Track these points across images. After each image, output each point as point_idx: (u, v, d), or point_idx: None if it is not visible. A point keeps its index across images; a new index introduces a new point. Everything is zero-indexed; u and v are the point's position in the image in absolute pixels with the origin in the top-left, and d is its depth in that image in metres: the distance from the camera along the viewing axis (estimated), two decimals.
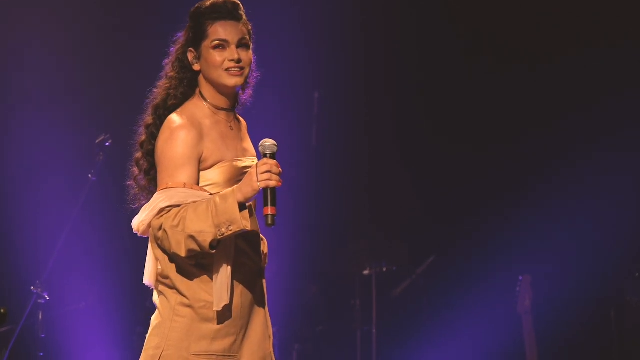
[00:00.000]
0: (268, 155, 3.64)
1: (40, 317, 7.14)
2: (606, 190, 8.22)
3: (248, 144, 3.95)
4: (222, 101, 3.87)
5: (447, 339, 8.41)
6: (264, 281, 3.90)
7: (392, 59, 8.92)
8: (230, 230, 3.56)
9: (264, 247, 3.92)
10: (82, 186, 7.27)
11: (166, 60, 3.93)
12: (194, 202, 3.63)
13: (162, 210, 3.64)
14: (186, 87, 3.87)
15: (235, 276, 3.74)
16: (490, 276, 8.27)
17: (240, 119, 4.02)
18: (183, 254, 3.60)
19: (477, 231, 8.58)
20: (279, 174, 3.60)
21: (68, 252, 7.29)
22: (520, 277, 7.70)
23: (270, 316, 3.96)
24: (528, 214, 8.35)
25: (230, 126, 3.86)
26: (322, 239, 8.79)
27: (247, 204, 3.62)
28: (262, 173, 3.58)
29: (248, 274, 3.79)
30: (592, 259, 8.11)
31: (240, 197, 3.58)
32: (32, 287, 7.15)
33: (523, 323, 7.67)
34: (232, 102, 3.91)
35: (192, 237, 3.57)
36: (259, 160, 3.73)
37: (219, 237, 3.57)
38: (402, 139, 8.96)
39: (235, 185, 3.63)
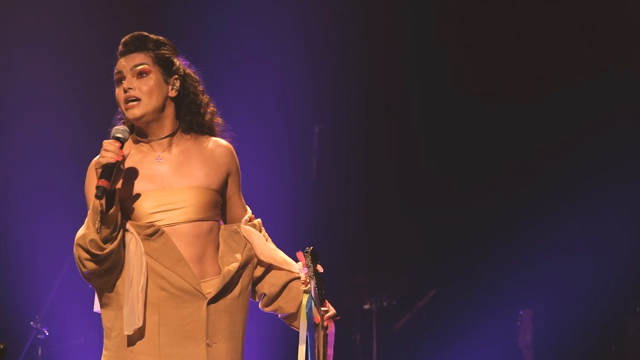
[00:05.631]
0: (112, 138, 3.67)
1: (40, 352, 7.13)
2: (606, 225, 8.23)
3: (202, 170, 3.85)
4: (143, 132, 3.85)
5: None
6: (211, 313, 3.76)
7: (393, 94, 8.95)
8: (98, 220, 3.59)
9: (225, 274, 3.80)
10: (82, 220, 7.26)
11: None
12: None
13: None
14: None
15: (152, 300, 3.70)
16: (491, 310, 8.26)
17: (212, 144, 3.92)
18: (85, 267, 3.64)
19: (478, 265, 8.57)
20: (114, 151, 3.60)
21: (68, 287, 7.28)
22: (521, 312, 7.70)
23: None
24: (529, 248, 8.34)
25: (159, 156, 3.82)
26: (322, 273, 8.76)
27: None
28: (100, 153, 3.62)
29: (172, 299, 3.72)
30: (593, 293, 8.10)
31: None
32: (32, 322, 7.14)
33: (524, 357, 7.65)
34: (164, 131, 3.84)
35: (78, 244, 3.63)
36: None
37: (98, 233, 3.59)
38: (402, 173, 8.96)
39: None
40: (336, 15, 8.68)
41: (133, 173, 3.77)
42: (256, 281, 3.94)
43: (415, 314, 8.65)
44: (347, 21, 8.72)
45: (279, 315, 4.00)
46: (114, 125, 3.83)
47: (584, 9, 8.52)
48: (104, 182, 3.56)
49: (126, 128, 3.71)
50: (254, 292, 3.96)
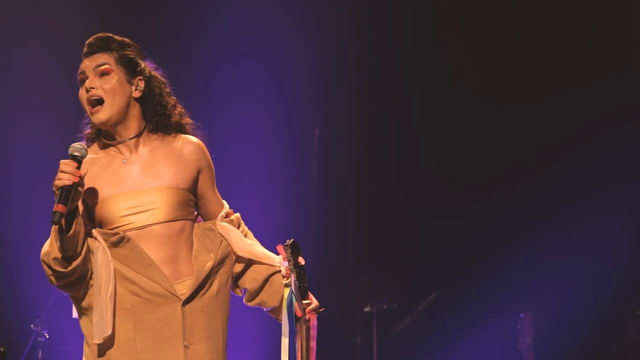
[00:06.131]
0: (69, 157, 3.59)
1: (40, 355, 7.12)
2: (606, 225, 8.23)
3: (170, 169, 3.80)
4: (110, 135, 3.81)
5: None
6: (188, 314, 3.73)
7: (393, 94, 8.94)
8: (57, 237, 3.55)
9: (198, 274, 3.76)
10: None
11: None
12: None
13: None
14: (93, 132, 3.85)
15: (126, 307, 3.67)
16: (492, 313, 8.26)
17: (180, 142, 3.86)
18: (52, 282, 3.62)
19: (478, 268, 8.57)
20: (70, 172, 3.51)
21: None
22: (522, 315, 7.70)
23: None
24: (529, 251, 8.34)
25: (125, 158, 3.78)
26: (322, 275, 8.77)
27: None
28: (57, 175, 3.55)
29: (146, 304, 3.69)
30: (593, 296, 8.10)
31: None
32: (32, 325, 7.14)
33: None
34: (129, 132, 3.80)
35: (43, 261, 3.61)
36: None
37: (58, 250, 3.55)
38: (402, 173, 8.96)
39: None
40: (336, 15, 8.67)
41: (101, 178, 3.73)
42: (237, 276, 3.90)
43: (416, 317, 8.65)
44: (347, 21, 8.71)
45: (264, 309, 3.96)
46: (82, 130, 3.81)
47: (584, 9, 8.52)
48: (60, 207, 3.47)
49: (84, 145, 3.62)
50: (236, 287, 3.91)
